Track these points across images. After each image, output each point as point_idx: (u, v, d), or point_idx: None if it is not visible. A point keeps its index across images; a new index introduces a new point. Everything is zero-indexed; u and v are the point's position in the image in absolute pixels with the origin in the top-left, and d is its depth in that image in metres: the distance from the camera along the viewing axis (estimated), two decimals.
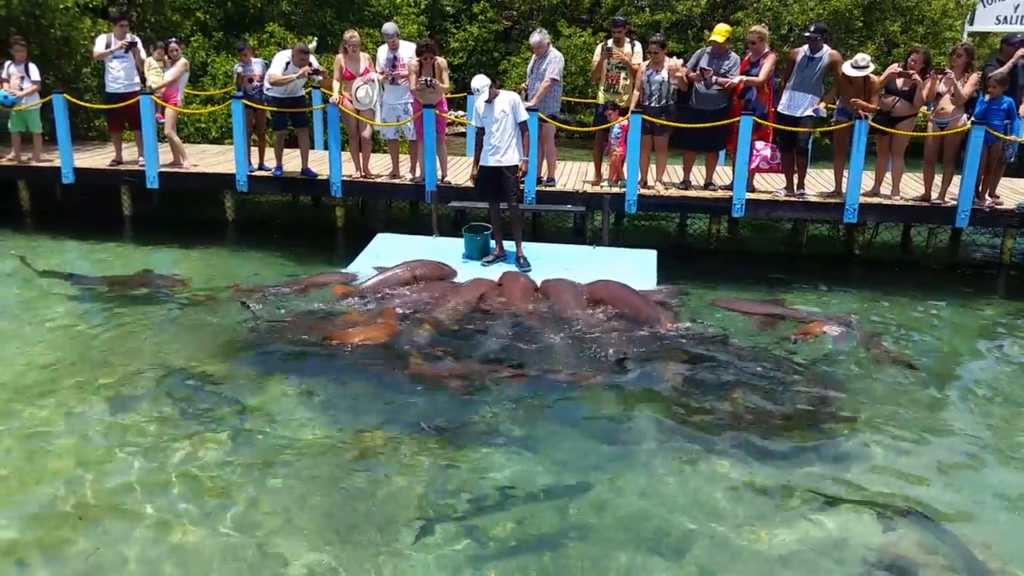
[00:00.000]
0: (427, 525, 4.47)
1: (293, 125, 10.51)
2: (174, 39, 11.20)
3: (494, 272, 8.52)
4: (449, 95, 10.41)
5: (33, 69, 10.78)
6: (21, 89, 10.64)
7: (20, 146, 11.05)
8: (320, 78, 10.40)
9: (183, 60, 10.98)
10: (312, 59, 10.22)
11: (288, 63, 10.01)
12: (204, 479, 4.91)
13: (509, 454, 5.26)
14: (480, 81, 8.33)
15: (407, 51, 9.95)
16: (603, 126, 10.01)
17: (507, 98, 8.35)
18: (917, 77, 9.13)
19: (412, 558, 4.22)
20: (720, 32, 9.47)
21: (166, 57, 10.84)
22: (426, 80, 9.56)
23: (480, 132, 8.51)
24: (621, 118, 9.74)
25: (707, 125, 9.47)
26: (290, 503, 4.68)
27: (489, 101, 8.30)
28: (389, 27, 10.10)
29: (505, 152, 8.37)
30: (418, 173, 10.31)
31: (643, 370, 6.46)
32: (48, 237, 10.36)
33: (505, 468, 5.09)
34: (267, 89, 10.26)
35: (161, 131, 10.87)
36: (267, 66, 10.55)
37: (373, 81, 9.98)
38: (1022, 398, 6.41)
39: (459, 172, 10.79)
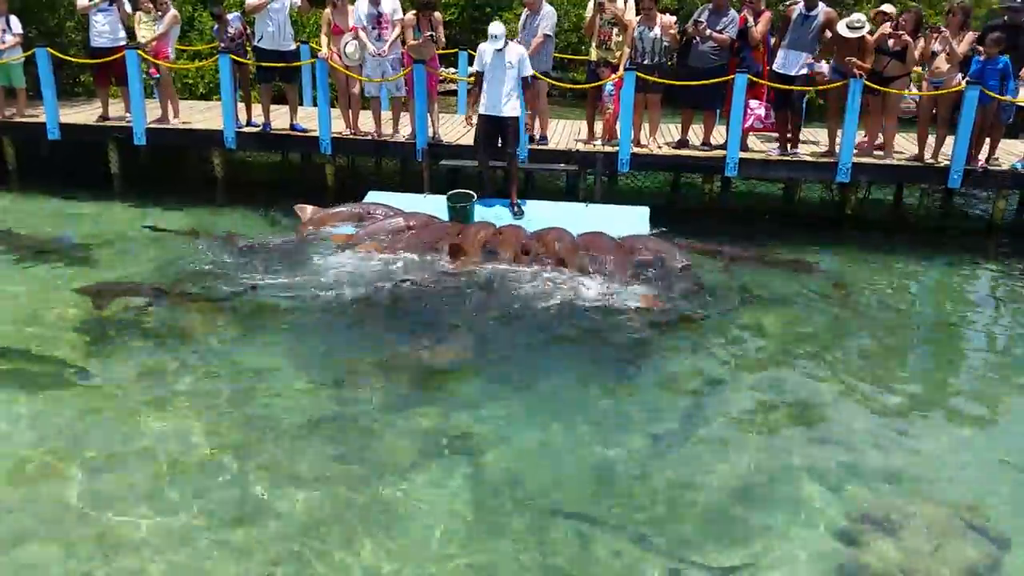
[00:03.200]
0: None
1: (282, 81, 10.35)
2: None
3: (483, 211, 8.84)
4: (441, 51, 10.27)
5: (15, 21, 10.55)
6: (3, 42, 10.44)
7: (3, 101, 10.87)
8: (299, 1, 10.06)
9: (173, 12, 10.71)
10: None
11: None
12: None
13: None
14: (498, 28, 8.46)
15: (388, 5, 9.75)
16: (595, 84, 9.91)
17: (516, 50, 8.57)
18: (907, 38, 9.03)
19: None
20: None
21: (152, 8, 10.63)
22: (431, 35, 9.48)
23: (479, 77, 8.59)
24: (614, 75, 9.64)
25: (702, 83, 9.39)
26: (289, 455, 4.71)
27: (500, 50, 8.43)
28: None
29: (507, 103, 8.55)
30: (405, 131, 10.21)
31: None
32: (35, 194, 10.24)
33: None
34: (257, 41, 10.07)
35: (154, 86, 10.72)
36: (242, 19, 10.41)
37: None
38: (1008, 359, 6.46)
39: (450, 130, 10.69)
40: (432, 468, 4.64)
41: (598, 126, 10.30)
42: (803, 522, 4.30)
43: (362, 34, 9.68)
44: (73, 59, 11.62)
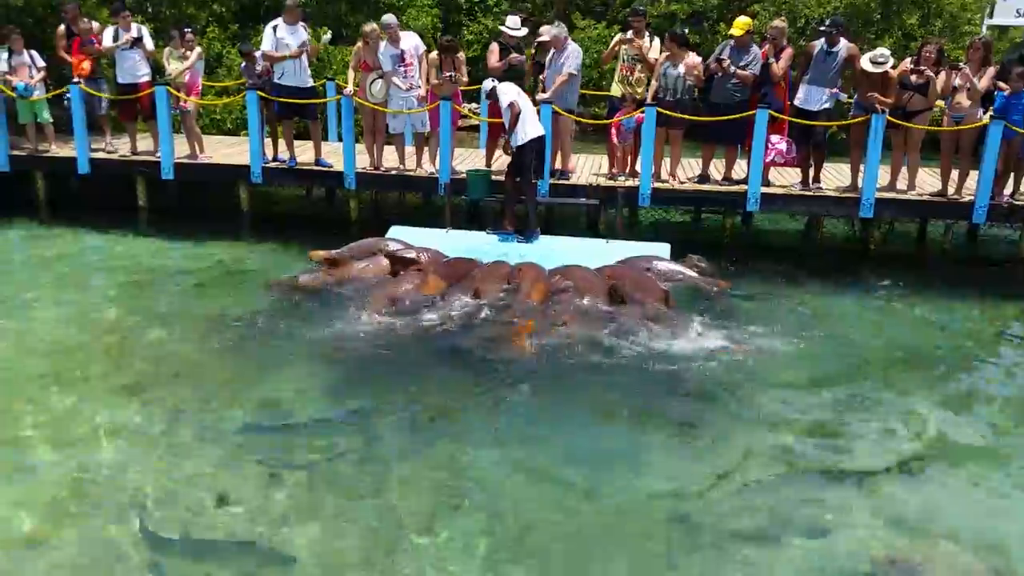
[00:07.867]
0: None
1: (301, 117, 10.51)
2: (189, 28, 11.19)
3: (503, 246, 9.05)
4: (465, 88, 10.42)
5: (37, 57, 10.81)
6: (31, 78, 10.69)
7: (35, 137, 11.11)
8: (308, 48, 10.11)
9: (199, 49, 10.97)
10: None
11: (276, 27, 9.90)
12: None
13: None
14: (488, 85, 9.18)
15: (409, 42, 9.90)
16: (615, 119, 9.97)
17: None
18: (930, 73, 9.03)
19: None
20: (739, 25, 9.41)
21: (182, 47, 10.90)
22: (450, 76, 9.69)
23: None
24: (635, 111, 9.71)
25: (724, 118, 9.44)
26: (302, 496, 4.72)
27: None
28: (390, 18, 9.87)
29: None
30: (427, 166, 10.33)
31: None
32: (65, 228, 10.40)
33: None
34: (278, 78, 10.24)
35: (178, 121, 10.91)
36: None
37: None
38: None
39: (470, 165, 10.76)
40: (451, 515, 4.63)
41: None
42: (823, 567, 4.23)
43: (389, 78, 9.85)
44: (102, 95, 11.84)
